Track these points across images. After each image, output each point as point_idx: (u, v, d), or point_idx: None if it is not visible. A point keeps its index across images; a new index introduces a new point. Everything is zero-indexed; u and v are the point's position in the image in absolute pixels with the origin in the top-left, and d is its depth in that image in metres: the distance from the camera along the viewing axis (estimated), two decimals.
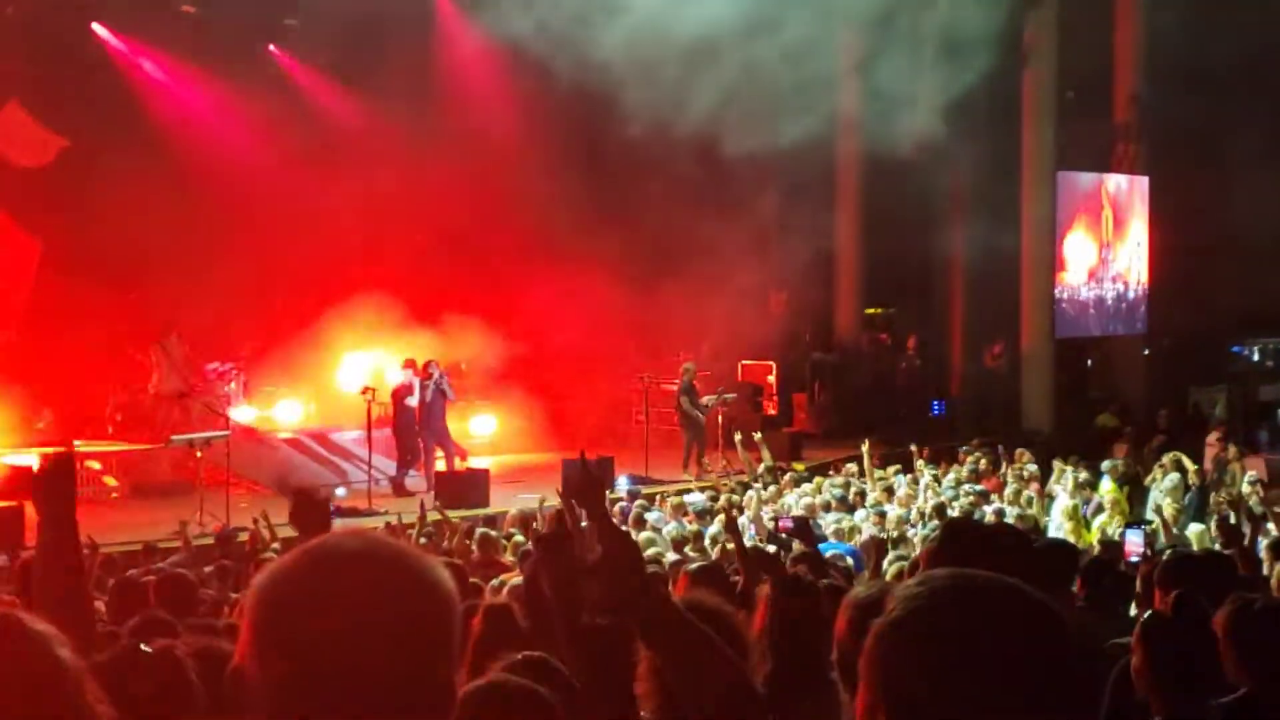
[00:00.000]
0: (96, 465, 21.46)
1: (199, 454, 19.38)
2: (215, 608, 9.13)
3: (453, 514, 16.39)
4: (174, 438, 20.12)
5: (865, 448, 20.31)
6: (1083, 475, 19.20)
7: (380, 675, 1.92)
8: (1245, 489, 18.04)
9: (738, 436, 22.76)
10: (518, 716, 3.47)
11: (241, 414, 23.59)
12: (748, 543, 9.62)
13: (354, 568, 1.98)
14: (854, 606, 3.34)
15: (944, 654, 1.86)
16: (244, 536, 15.16)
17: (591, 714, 4.22)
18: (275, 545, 13.20)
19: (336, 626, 1.91)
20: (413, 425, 22.10)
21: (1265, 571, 10.18)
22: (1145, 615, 4.83)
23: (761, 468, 21.10)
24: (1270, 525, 14.32)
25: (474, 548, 13.05)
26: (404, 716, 1.94)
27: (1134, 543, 8.04)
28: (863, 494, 18.26)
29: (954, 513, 16.65)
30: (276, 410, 24.67)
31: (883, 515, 16.07)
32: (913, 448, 21.47)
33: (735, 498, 18.32)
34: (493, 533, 14.44)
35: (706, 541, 13.68)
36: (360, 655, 1.91)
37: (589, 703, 3.99)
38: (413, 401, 21.91)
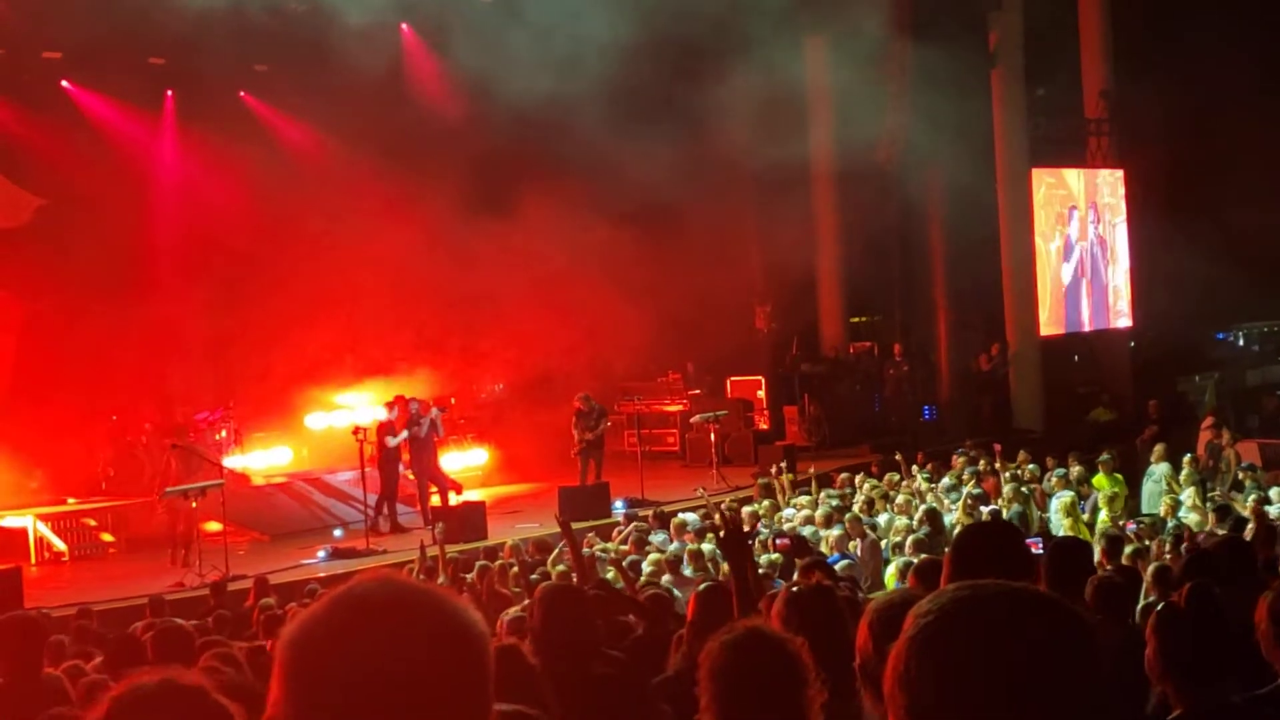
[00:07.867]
0: (92, 522, 21.40)
1: (194, 504, 19.28)
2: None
3: (452, 548, 16.32)
4: (168, 489, 20.03)
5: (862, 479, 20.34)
6: (1077, 470, 19.20)
7: None
8: (1240, 475, 18.08)
9: None
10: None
11: (234, 461, 23.51)
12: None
13: (385, 614, 1.94)
14: (876, 612, 3.35)
15: (960, 671, 1.82)
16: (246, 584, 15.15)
17: None
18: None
19: (370, 675, 1.88)
20: (394, 464, 21.92)
21: None
22: (1159, 607, 4.81)
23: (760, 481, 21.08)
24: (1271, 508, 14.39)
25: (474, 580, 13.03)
26: None
27: None
28: (870, 503, 18.27)
29: (952, 516, 16.70)
30: (269, 455, 24.58)
31: (874, 526, 16.09)
32: (898, 456, 21.27)
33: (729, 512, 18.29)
34: (491, 564, 14.45)
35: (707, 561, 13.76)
36: (395, 703, 1.88)
37: None
38: (394, 441, 21.70)
